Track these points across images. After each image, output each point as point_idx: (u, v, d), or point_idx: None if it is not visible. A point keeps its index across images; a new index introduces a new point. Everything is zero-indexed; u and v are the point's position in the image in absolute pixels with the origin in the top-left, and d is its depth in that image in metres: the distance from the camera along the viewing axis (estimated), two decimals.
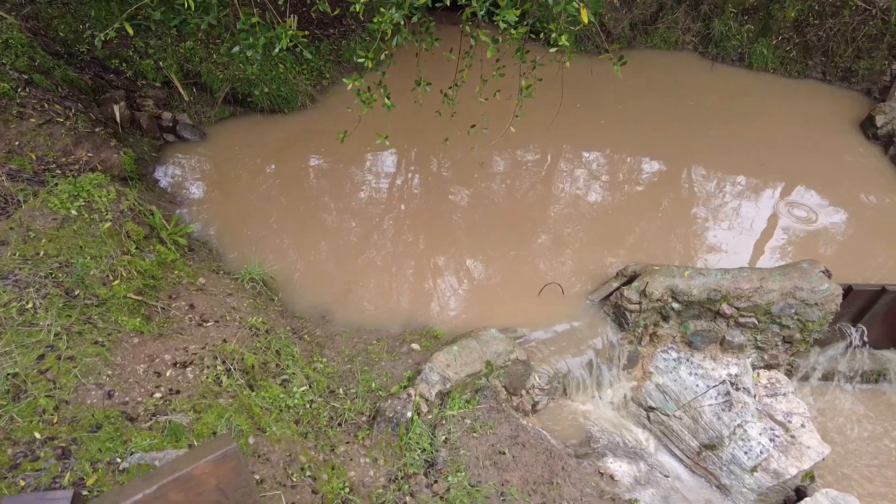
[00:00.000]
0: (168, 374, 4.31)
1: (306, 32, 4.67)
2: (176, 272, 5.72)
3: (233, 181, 7.85)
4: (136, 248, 5.55)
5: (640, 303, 6.05)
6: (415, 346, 5.63)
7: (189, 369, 4.43)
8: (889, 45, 10.08)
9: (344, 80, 4.20)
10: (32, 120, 6.55)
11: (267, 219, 7.25)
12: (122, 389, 3.92)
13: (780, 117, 9.51)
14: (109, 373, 4.01)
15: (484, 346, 5.28)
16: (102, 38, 8.71)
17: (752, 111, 9.64)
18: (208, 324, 5.23)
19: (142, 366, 4.23)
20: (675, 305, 6.19)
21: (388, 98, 4.46)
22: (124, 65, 8.66)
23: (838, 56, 10.28)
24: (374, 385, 5.12)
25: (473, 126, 5.13)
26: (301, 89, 9.25)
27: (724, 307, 6.16)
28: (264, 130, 8.78)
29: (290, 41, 4.13)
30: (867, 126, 9.14)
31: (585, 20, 3.58)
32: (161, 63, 8.70)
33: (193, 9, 4.63)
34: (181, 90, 8.83)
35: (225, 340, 5.02)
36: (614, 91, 9.85)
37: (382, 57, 4.41)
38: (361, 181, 7.84)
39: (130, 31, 4.31)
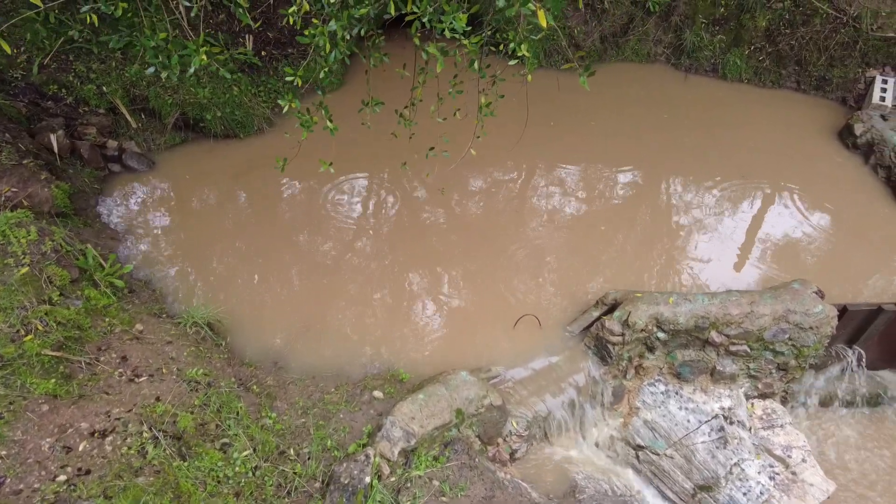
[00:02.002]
0: (81, 447, 3.70)
1: (222, 49, 4.16)
2: (108, 319, 5.09)
3: (183, 213, 7.25)
4: (60, 294, 4.93)
5: (623, 334, 5.57)
6: (377, 393, 5.07)
7: (108, 439, 3.81)
8: (861, 52, 9.90)
9: (279, 101, 3.69)
10: None
11: (218, 254, 6.67)
12: (15, 475, 3.29)
13: (758, 127, 9.22)
14: (4, 453, 3.38)
15: (454, 393, 4.74)
16: (39, 63, 8.16)
17: (729, 122, 9.34)
18: (141, 379, 4.61)
19: (48, 440, 3.61)
20: (661, 335, 5.72)
21: (331, 120, 3.97)
22: (64, 91, 8.05)
23: (811, 65, 10.06)
24: (329, 443, 4.54)
25: (432, 149, 4.66)
26: (257, 112, 8.71)
27: (714, 335, 5.71)
28: (218, 157, 8.21)
29: (207, 58, 3.62)
30: (845, 135, 8.87)
31: (544, 24, 3.14)
32: (105, 88, 8.11)
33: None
34: (128, 116, 8.24)
35: (158, 399, 4.41)
36: (586, 106, 9.48)
37: (322, 75, 3.91)
38: (320, 211, 7.29)
39: (7, 49, 3.70)
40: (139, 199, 7.49)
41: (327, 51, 3.86)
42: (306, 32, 3.66)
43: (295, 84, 3.83)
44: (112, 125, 8.22)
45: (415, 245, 6.74)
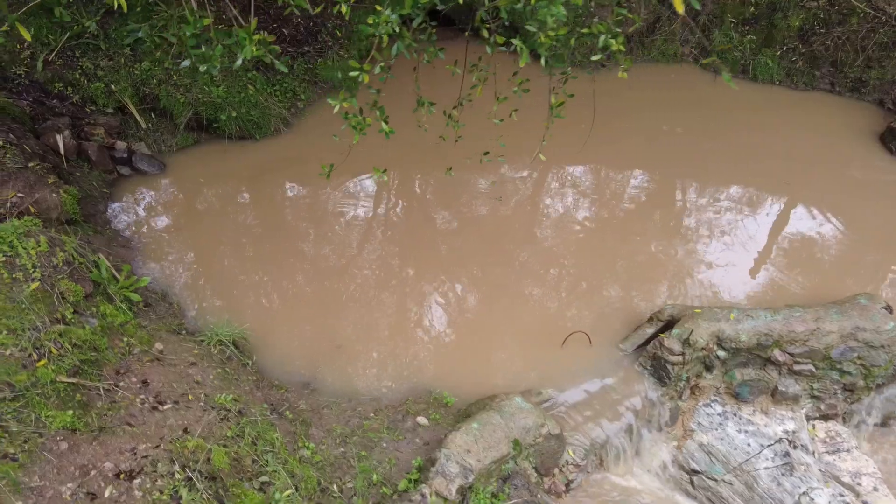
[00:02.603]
0: (107, 493, 3.25)
1: (275, 38, 3.72)
2: (126, 339, 4.64)
3: (198, 219, 6.80)
4: (74, 312, 4.47)
5: (683, 353, 5.17)
6: (421, 419, 4.64)
7: (136, 482, 3.36)
8: None
9: (329, 100, 3.27)
10: None
11: (238, 264, 6.22)
12: None
13: (794, 132, 8.85)
14: None
15: (509, 421, 4.32)
16: (43, 59, 7.68)
17: (763, 125, 8.96)
18: (165, 406, 4.17)
19: (69, 485, 3.16)
20: (721, 353, 5.33)
21: (386, 122, 3.54)
22: (69, 89, 7.58)
23: (847, 66, 9.71)
24: (375, 477, 4.11)
25: (486, 153, 4.24)
26: (273, 112, 8.27)
27: (777, 353, 5.31)
28: (233, 159, 7.76)
29: (257, 48, 3.18)
30: (888, 138, 8.52)
31: (681, 9, 2.71)
32: (113, 86, 7.65)
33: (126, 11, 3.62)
34: (137, 116, 7.79)
35: (186, 430, 3.97)
36: (616, 107, 9.09)
37: (377, 70, 3.46)
38: (348, 217, 6.86)
39: (27, 37, 3.25)
40: (151, 204, 7.03)
41: (384, 42, 3.41)
42: (370, 21, 3.23)
43: (360, 80, 3.35)
44: (120, 125, 7.76)
45: (453, 257, 6.30)
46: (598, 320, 5.67)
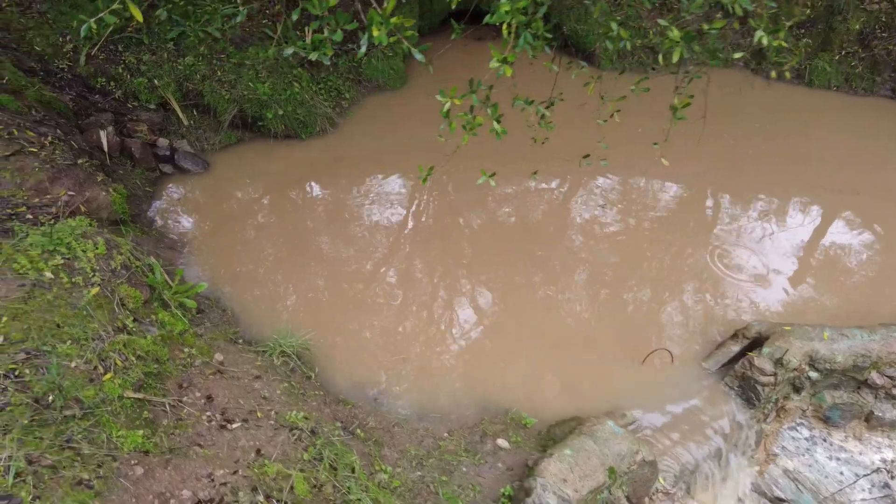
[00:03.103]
0: None
1: (414, 22, 3.41)
2: (186, 349, 4.35)
3: (245, 221, 6.51)
4: (134, 320, 4.18)
5: (775, 374, 4.82)
6: (501, 442, 4.31)
7: None
8: None
9: (438, 97, 2.95)
10: None
11: (290, 268, 5.92)
12: None
13: (856, 139, 8.47)
14: None
15: (603, 447, 3.98)
16: (86, 53, 7.43)
17: (824, 131, 8.59)
18: (234, 425, 3.86)
19: None
20: (813, 374, 4.97)
21: (498, 121, 3.21)
22: (112, 84, 7.33)
23: None
24: None
25: (587, 156, 3.92)
26: (319, 111, 7.98)
27: (874, 376, 4.95)
28: (280, 158, 7.48)
29: (390, 35, 2.85)
30: None
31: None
32: (156, 81, 7.39)
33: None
34: (179, 113, 7.52)
35: (259, 451, 3.66)
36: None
37: (493, 63, 3.13)
38: (406, 220, 6.55)
39: (139, 17, 2.95)
40: (196, 205, 6.75)
41: (507, 34, 3.07)
42: (504, 7, 2.90)
43: (500, 72, 2.99)
44: (163, 122, 7.50)
45: (529, 265, 5.97)
46: (678, 336, 5.33)
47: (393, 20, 2.71)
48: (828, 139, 8.40)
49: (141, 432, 3.35)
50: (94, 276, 4.12)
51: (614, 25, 3.37)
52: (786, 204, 7.15)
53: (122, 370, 3.65)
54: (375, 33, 2.71)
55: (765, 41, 3.02)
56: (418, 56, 2.86)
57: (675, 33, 2.85)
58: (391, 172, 7.33)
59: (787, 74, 3.32)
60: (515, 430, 4.45)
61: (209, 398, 4.05)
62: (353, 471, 3.75)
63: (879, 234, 6.77)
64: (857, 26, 9.50)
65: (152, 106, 7.47)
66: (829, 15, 9.69)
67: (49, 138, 5.66)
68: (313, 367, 4.91)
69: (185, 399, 3.94)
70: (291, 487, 3.32)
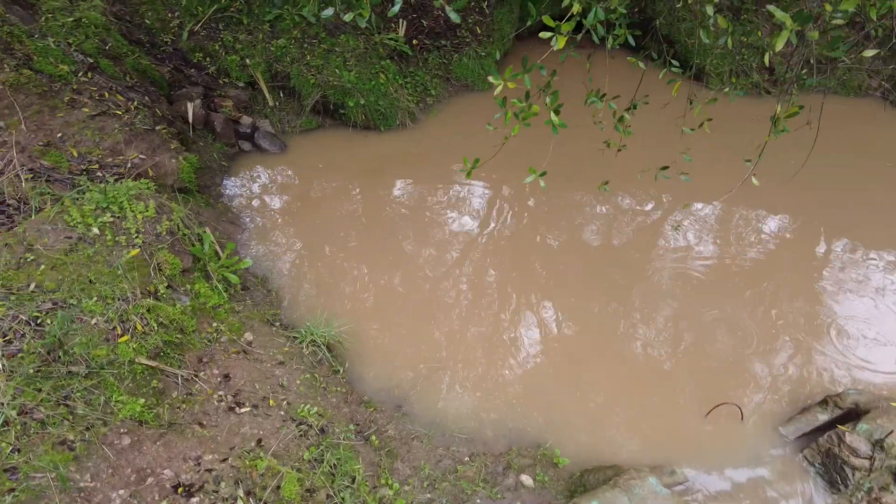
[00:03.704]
0: None
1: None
2: (215, 324, 4.26)
3: (311, 206, 6.45)
4: (168, 286, 4.14)
5: (872, 457, 3.99)
6: (525, 478, 3.85)
7: (194, 501, 2.85)
8: None
9: (490, 78, 2.59)
10: (85, 110, 5.41)
11: (345, 259, 5.76)
12: None
13: None
14: None
15: None
16: (189, 30, 7.76)
17: None
18: (243, 409, 3.69)
19: (120, 492, 2.70)
20: None
21: (557, 112, 2.79)
22: (208, 59, 7.58)
23: None
24: None
25: (665, 168, 3.40)
26: (402, 105, 7.83)
27: None
28: (355, 148, 7.40)
29: None
30: None
31: None
32: (248, 60, 7.56)
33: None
34: (266, 93, 7.65)
35: (260, 442, 3.45)
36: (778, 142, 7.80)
37: (557, 43, 2.70)
38: (472, 226, 6.22)
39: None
40: (266, 184, 6.79)
41: (576, 10, 2.66)
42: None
43: (553, 43, 2.57)
44: (249, 101, 7.65)
45: (592, 290, 5.45)
46: (755, 392, 4.59)
47: None
48: None
49: (142, 401, 3.24)
50: (137, 237, 4.13)
51: (710, 10, 2.81)
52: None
53: (141, 335, 3.59)
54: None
55: None
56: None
57: (779, 14, 2.30)
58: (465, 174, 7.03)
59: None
60: (545, 469, 3.97)
61: (226, 377, 3.92)
62: (353, 480, 3.45)
63: None
64: None
65: (241, 84, 7.64)
66: None
67: (135, 103, 5.86)
68: (344, 361, 4.68)
69: (201, 374, 3.83)
70: (278, 487, 3.07)
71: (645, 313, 5.23)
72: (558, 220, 6.32)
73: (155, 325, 3.71)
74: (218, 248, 5.18)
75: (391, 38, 8.19)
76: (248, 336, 4.40)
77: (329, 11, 2.85)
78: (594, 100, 3.33)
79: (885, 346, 5.06)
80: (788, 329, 5.13)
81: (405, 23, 8.42)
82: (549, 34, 2.49)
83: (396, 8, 2.71)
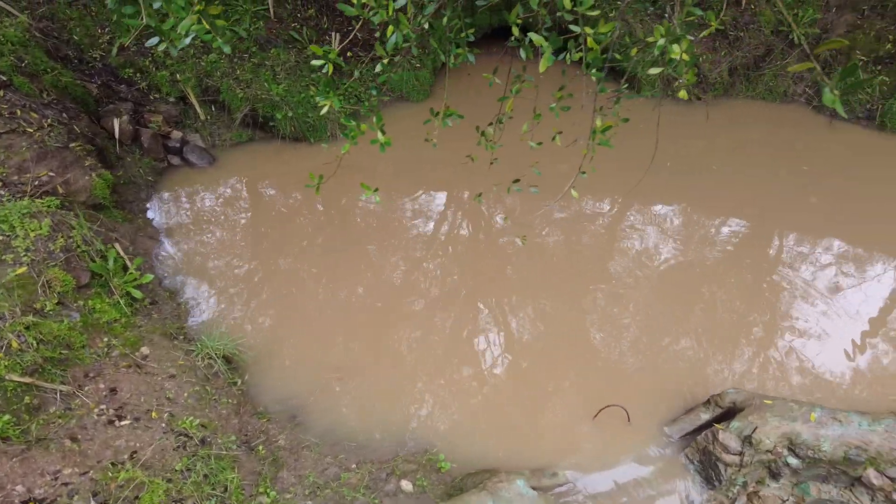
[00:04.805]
0: None
1: (222, 12, 3.23)
2: (107, 339, 4.31)
3: (233, 219, 6.53)
4: (59, 303, 4.19)
5: (741, 453, 4.16)
6: (405, 484, 3.95)
7: None
8: None
9: (317, 97, 2.69)
10: None
11: (261, 271, 5.84)
12: None
13: None
14: None
15: None
16: (119, 45, 7.82)
17: (891, 182, 7.57)
18: (123, 423, 3.75)
19: None
20: (793, 461, 4.24)
21: (383, 131, 2.93)
22: (138, 75, 7.64)
23: None
24: None
25: (517, 181, 3.54)
26: (332, 116, 7.94)
27: (871, 474, 4.15)
28: (283, 160, 7.49)
29: (202, 23, 2.66)
30: None
31: None
32: (178, 76, 7.62)
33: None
34: (197, 107, 7.72)
35: (133, 455, 3.52)
36: (705, 147, 8.03)
37: (379, 67, 2.87)
38: (385, 238, 6.33)
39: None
40: (191, 198, 6.86)
41: (389, 33, 2.82)
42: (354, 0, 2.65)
43: (324, 70, 2.74)
44: (180, 115, 7.72)
45: (477, 295, 5.60)
46: (645, 393, 4.74)
47: (198, 7, 2.50)
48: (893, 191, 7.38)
49: (6, 417, 3.30)
50: (24, 256, 4.18)
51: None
52: (819, 258, 6.30)
53: (17, 352, 3.64)
54: (192, 23, 2.51)
55: (673, 52, 2.49)
56: (225, 48, 2.65)
57: (535, 38, 2.41)
58: (392, 185, 7.15)
59: (684, 94, 2.75)
60: (427, 474, 4.08)
61: (112, 391, 3.98)
62: (225, 490, 3.52)
63: None
64: None
65: (172, 99, 7.71)
66: None
67: (49, 121, 5.91)
68: (244, 373, 4.76)
69: (86, 388, 3.89)
70: (136, 497, 3.14)
71: (536, 319, 5.37)
72: (458, 233, 6.45)
73: (34, 342, 3.77)
74: (128, 262, 5.24)
75: (325, 51, 8.30)
76: (145, 350, 4.46)
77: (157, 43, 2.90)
78: (445, 112, 3.46)
79: (770, 337, 5.25)
80: (685, 332, 5.30)
81: (339, 35, 8.54)
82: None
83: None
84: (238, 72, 7.75)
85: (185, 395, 4.15)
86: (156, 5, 2.55)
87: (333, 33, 8.50)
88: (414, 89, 8.82)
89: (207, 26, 2.53)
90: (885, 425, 4.20)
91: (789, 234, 6.66)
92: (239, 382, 4.63)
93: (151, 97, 7.67)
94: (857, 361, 5.16)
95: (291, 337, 5.14)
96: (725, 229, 6.67)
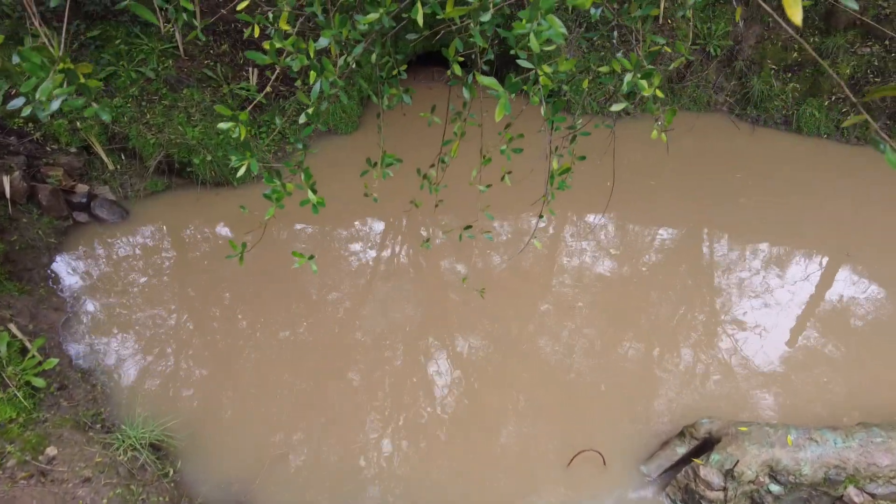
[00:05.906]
0: None
1: (91, 71, 2.77)
2: (0, 445, 3.63)
3: (151, 280, 5.87)
4: None
5: (725, 488, 3.96)
6: None
7: None
8: None
9: (231, 157, 2.30)
10: None
11: (188, 340, 5.24)
12: None
13: (848, 192, 7.69)
14: None
15: None
16: (5, 94, 7.01)
17: (812, 184, 7.84)
18: None
19: None
20: (775, 488, 4.09)
21: (314, 190, 2.56)
22: (31, 125, 6.85)
23: None
24: None
25: (468, 227, 3.24)
26: (256, 156, 7.40)
27: (851, 492, 4.06)
28: (206, 208, 6.89)
29: (68, 85, 2.22)
30: None
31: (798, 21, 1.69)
32: (78, 123, 6.90)
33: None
34: (104, 156, 7.00)
35: None
36: (637, 161, 8.07)
37: (303, 118, 2.50)
38: (318, 294, 5.85)
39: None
40: (103, 258, 6.15)
41: (311, 79, 2.45)
42: (266, 45, 2.29)
43: (235, 134, 2.37)
44: (84, 166, 6.97)
45: (431, 349, 5.23)
46: (616, 433, 4.50)
47: (62, 66, 2.08)
48: (815, 192, 7.63)
49: None
50: None
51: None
52: (763, 267, 6.35)
53: None
54: (56, 84, 2.08)
55: (643, 89, 2.27)
56: (106, 116, 2.23)
57: (483, 79, 2.15)
58: (325, 226, 6.70)
59: (657, 135, 2.54)
60: None
61: None
62: None
63: (881, 307, 5.92)
64: (848, 71, 8.83)
65: (74, 149, 6.96)
66: (817, 59, 9.03)
67: None
68: (176, 460, 4.16)
69: None
70: None
71: (497, 362, 5.06)
72: (401, 279, 6.10)
73: None
74: (28, 344, 4.54)
75: (242, 88, 7.80)
76: (51, 451, 3.80)
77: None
78: (384, 161, 3.11)
79: (728, 359, 5.16)
80: (647, 363, 5.13)
81: (257, 70, 8.05)
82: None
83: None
84: (148, 115, 7.11)
85: (105, 501, 3.54)
86: (15, 59, 2.07)
87: (251, 69, 8.00)
88: (342, 122, 8.43)
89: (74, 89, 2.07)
90: (859, 440, 4.13)
91: (727, 248, 6.71)
92: (171, 473, 4.04)
93: (48, 148, 6.89)
94: (813, 376, 5.15)
95: (228, 410, 4.58)
96: (665, 249, 6.63)
